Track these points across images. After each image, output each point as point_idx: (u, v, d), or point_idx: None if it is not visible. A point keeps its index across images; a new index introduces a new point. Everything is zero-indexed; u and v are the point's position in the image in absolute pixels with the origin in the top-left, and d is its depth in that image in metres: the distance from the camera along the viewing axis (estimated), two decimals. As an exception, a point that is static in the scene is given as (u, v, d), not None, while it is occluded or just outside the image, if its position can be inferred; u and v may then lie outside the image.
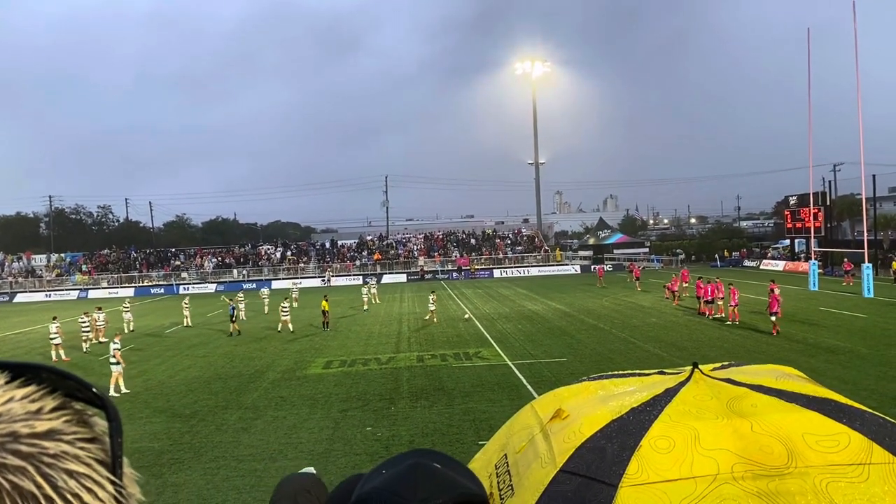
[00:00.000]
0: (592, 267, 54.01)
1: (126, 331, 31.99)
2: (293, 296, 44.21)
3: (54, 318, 26.52)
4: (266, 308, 40.41)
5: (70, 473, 0.56)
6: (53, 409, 0.58)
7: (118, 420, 0.62)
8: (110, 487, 0.58)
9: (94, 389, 0.62)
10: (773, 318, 24.07)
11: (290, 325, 30.44)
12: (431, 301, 32.92)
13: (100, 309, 32.67)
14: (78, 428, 0.59)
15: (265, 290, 43.99)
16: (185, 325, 34.51)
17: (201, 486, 11.28)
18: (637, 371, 3.23)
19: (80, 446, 0.58)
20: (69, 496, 0.54)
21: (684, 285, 36.53)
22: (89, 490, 0.56)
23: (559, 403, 2.85)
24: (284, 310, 30.83)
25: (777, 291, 24.66)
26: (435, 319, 31.84)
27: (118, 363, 19.04)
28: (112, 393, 18.40)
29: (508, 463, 2.79)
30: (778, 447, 2.20)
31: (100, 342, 29.12)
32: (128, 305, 35.52)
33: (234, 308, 30.89)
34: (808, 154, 42.78)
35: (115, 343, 19.56)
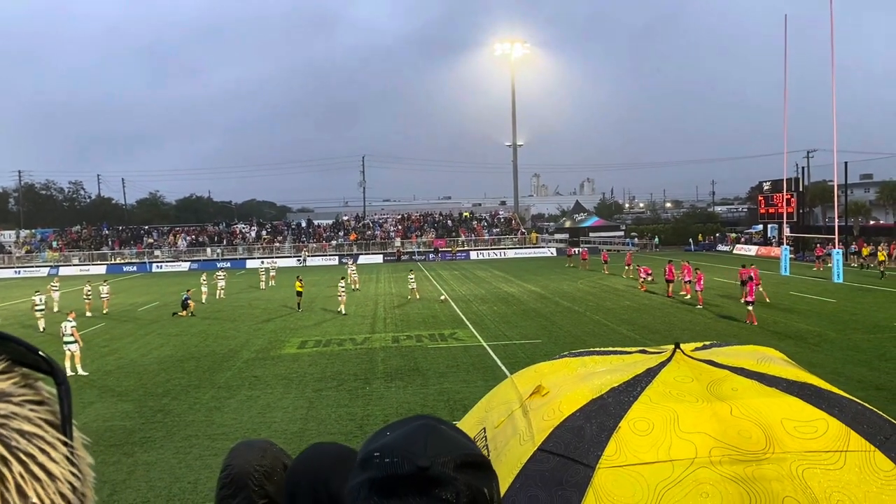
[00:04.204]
0: (574, 250, 54.06)
1: (55, 310, 31.09)
2: (271, 274, 44.09)
3: None
4: (262, 284, 42.04)
5: (22, 433, 0.55)
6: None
7: (67, 383, 0.62)
8: (63, 448, 0.58)
9: (40, 353, 0.62)
10: (750, 308, 23.16)
11: (343, 308, 28.41)
12: (411, 280, 33.63)
13: (105, 281, 32.96)
14: (25, 391, 0.59)
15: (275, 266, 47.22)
16: (217, 297, 35.44)
17: (173, 465, 11.20)
18: (619, 349, 3.21)
19: (29, 408, 0.57)
20: (23, 456, 0.54)
21: (627, 267, 39.30)
22: (42, 451, 0.56)
23: (539, 379, 2.82)
24: (342, 289, 28.85)
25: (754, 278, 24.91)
26: (417, 296, 32.47)
27: (75, 341, 18.31)
28: (68, 373, 17.89)
29: (487, 437, 2.76)
30: (756, 432, 2.20)
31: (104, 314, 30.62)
32: (56, 285, 35.14)
33: (187, 298, 30.20)
34: (782, 140, 43.40)
35: (70, 321, 18.85)
